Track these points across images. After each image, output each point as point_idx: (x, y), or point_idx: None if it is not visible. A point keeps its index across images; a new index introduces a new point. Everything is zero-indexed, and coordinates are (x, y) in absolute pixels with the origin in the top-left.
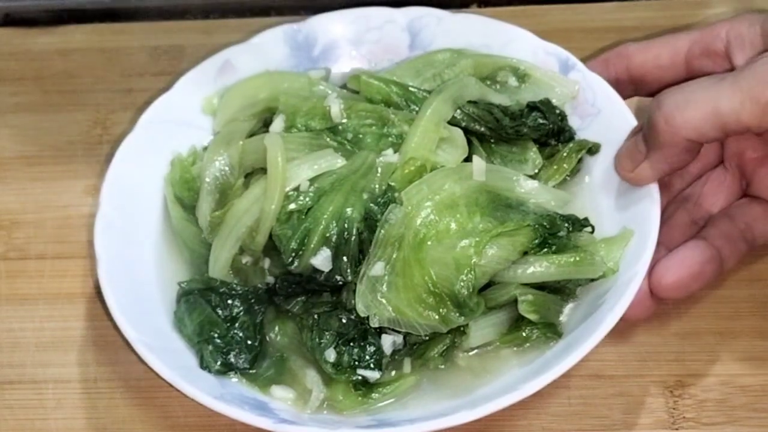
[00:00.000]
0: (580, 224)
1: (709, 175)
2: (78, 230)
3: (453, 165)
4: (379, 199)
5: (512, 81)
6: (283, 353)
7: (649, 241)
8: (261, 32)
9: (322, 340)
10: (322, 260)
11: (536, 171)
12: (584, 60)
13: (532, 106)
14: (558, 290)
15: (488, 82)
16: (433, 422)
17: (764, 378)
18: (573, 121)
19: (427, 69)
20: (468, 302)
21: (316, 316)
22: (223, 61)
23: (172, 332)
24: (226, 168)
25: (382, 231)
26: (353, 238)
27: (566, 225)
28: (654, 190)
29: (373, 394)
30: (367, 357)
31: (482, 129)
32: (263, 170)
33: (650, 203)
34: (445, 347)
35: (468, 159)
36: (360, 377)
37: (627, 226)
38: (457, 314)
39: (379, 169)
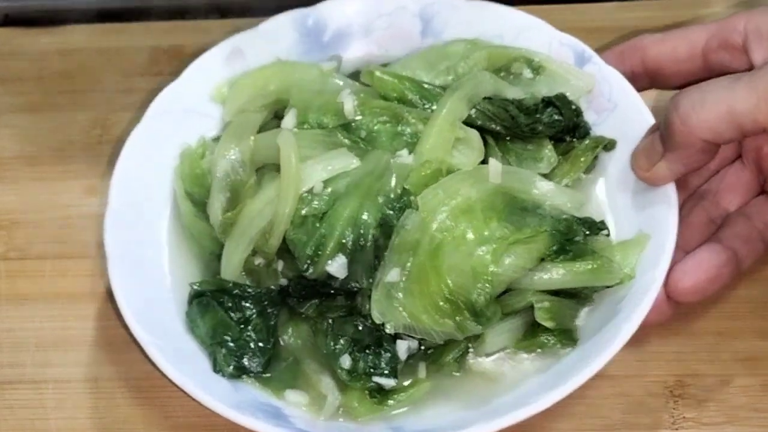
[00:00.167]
0: (596, 228)
1: (726, 171)
2: (78, 230)
3: (469, 167)
4: (395, 204)
5: (527, 73)
6: (297, 356)
7: (667, 247)
8: (270, 18)
9: (336, 346)
10: (337, 267)
11: (551, 169)
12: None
13: (548, 101)
14: (574, 295)
15: (502, 74)
16: None
17: (764, 378)
18: (588, 116)
19: (440, 61)
20: (485, 311)
21: (330, 321)
22: (231, 48)
23: (184, 333)
24: (238, 164)
25: (398, 237)
26: (369, 244)
27: (583, 229)
28: (671, 191)
29: (388, 401)
30: (383, 364)
31: (497, 128)
32: (275, 166)
33: (667, 207)
34: (460, 353)
35: (483, 160)
36: (375, 384)
37: (643, 229)
38: (474, 322)
39: (394, 172)
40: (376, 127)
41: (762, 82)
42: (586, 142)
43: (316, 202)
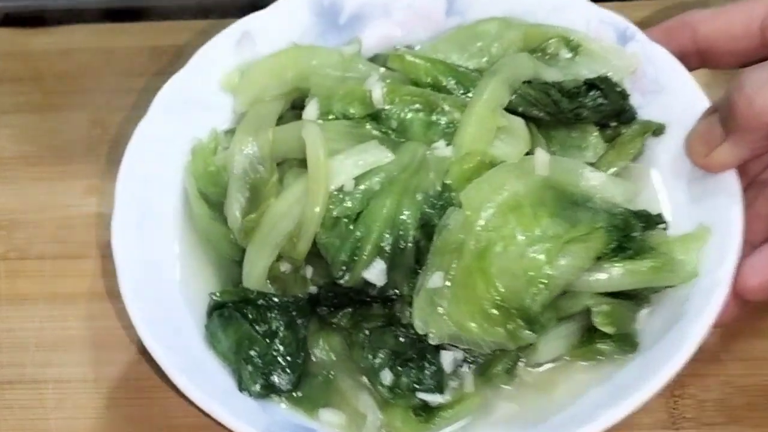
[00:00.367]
0: (653, 222)
1: None
2: (78, 230)
3: (514, 159)
4: (436, 202)
5: (564, 53)
6: (330, 371)
7: (734, 240)
8: None
9: (376, 360)
10: (376, 274)
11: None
12: None
13: (590, 84)
14: (632, 296)
15: (538, 55)
16: None
17: (764, 378)
18: (633, 99)
19: (471, 42)
20: (539, 317)
21: (367, 332)
22: (241, 33)
23: (204, 348)
24: (257, 160)
25: (440, 238)
26: (409, 246)
27: (640, 224)
28: (732, 179)
29: (435, 419)
30: (427, 378)
31: (540, 114)
32: (297, 162)
33: (729, 196)
34: (510, 363)
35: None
36: (419, 401)
37: (702, 222)
38: (528, 330)
39: (432, 166)
40: (408, 117)
41: None
42: (634, 127)
43: (348, 202)
